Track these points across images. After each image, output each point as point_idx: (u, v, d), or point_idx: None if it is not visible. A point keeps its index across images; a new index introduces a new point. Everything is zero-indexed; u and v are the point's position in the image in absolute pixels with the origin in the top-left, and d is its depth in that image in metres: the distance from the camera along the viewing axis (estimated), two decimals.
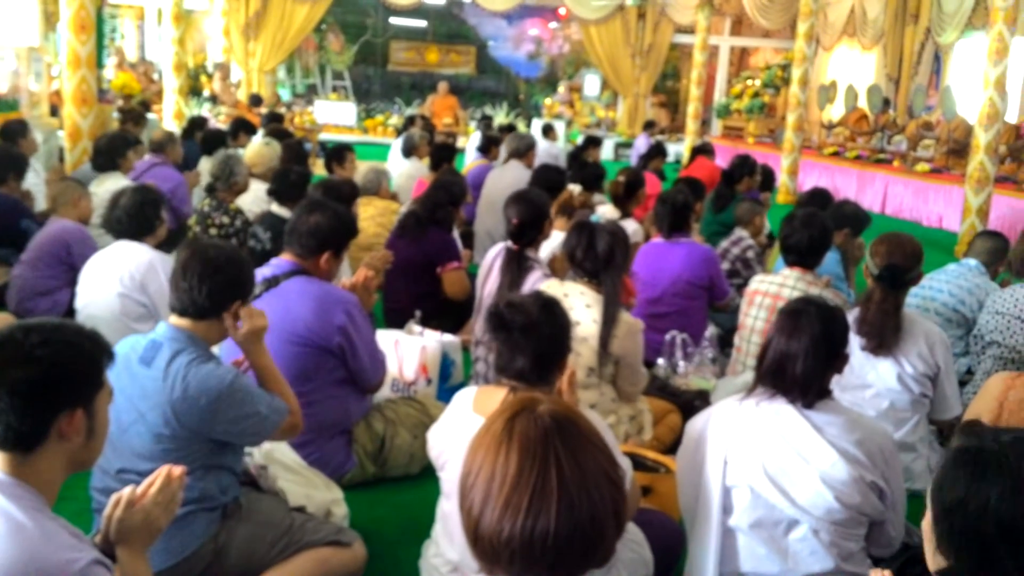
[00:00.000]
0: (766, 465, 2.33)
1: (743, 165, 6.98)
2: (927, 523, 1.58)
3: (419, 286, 4.91)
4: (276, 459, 2.96)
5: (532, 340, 2.34)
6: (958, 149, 11.88)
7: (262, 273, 3.36)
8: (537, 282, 3.94)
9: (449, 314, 4.92)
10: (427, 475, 3.21)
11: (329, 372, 3.34)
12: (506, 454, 1.33)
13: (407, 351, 4.11)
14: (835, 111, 15.46)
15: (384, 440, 3.53)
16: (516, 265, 4.13)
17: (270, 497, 2.80)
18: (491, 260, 4.36)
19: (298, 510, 2.82)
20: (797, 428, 2.33)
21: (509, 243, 4.23)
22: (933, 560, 1.56)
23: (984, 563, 1.46)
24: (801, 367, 2.33)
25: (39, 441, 1.71)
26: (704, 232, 6.73)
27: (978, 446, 1.53)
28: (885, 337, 3.26)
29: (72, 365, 1.73)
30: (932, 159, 12.19)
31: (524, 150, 7.61)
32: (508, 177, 6.98)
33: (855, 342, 3.06)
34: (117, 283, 4.06)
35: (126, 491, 1.93)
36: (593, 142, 9.79)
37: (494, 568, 1.36)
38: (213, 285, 2.57)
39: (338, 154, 6.90)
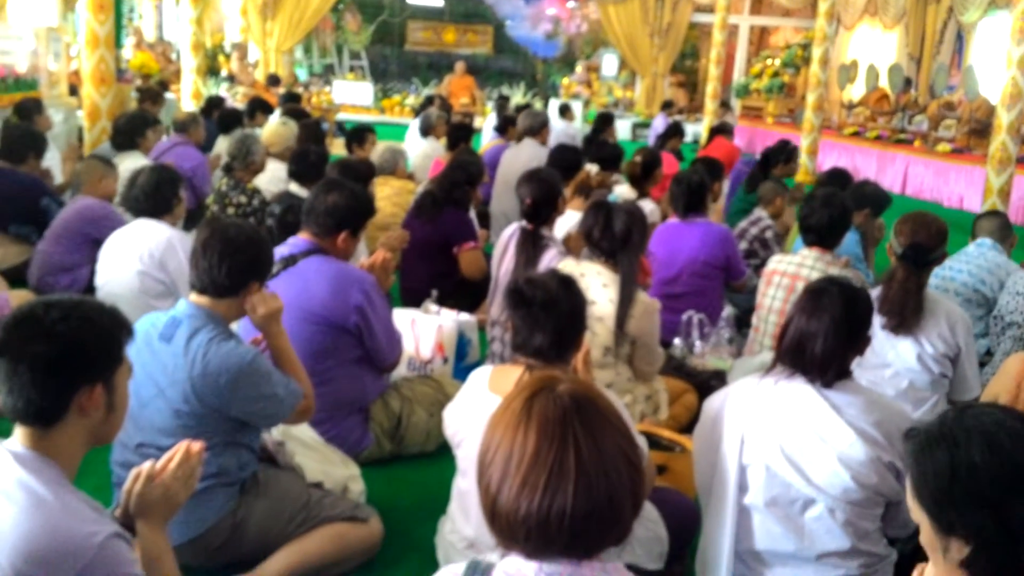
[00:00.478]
0: (783, 444, 2.32)
1: (781, 151, 6.80)
2: (927, 533, 1.50)
3: (436, 266, 4.92)
4: (294, 435, 2.99)
5: (552, 316, 2.33)
6: (980, 129, 11.76)
7: (280, 252, 3.37)
8: (552, 260, 3.94)
9: (465, 293, 4.92)
10: (443, 453, 3.21)
11: (346, 351, 3.35)
12: (524, 433, 1.33)
13: (424, 330, 4.12)
14: (856, 91, 15.33)
15: (400, 418, 3.54)
16: (531, 244, 4.13)
17: (288, 473, 2.82)
18: (506, 240, 4.36)
19: (315, 486, 2.84)
20: (815, 408, 2.32)
21: (524, 223, 4.22)
22: (946, 561, 1.47)
23: (1002, 522, 1.40)
24: (821, 347, 2.31)
25: (59, 416, 1.72)
26: (733, 208, 6.69)
27: (935, 429, 1.49)
28: (906, 316, 3.24)
29: (91, 341, 1.74)
30: (953, 139, 12.07)
31: (538, 127, 7.55)
32: (523, 156, 6.95)
33: (876, 321, 3.03)
34: (137, 261, 4.08)
35: (146, 465, 1.95)
36: (605, 120, 9.68)
37: (511, 545, 1.37)
38: (233, 264, 2.58)
39: (358, 135, 6.91)
